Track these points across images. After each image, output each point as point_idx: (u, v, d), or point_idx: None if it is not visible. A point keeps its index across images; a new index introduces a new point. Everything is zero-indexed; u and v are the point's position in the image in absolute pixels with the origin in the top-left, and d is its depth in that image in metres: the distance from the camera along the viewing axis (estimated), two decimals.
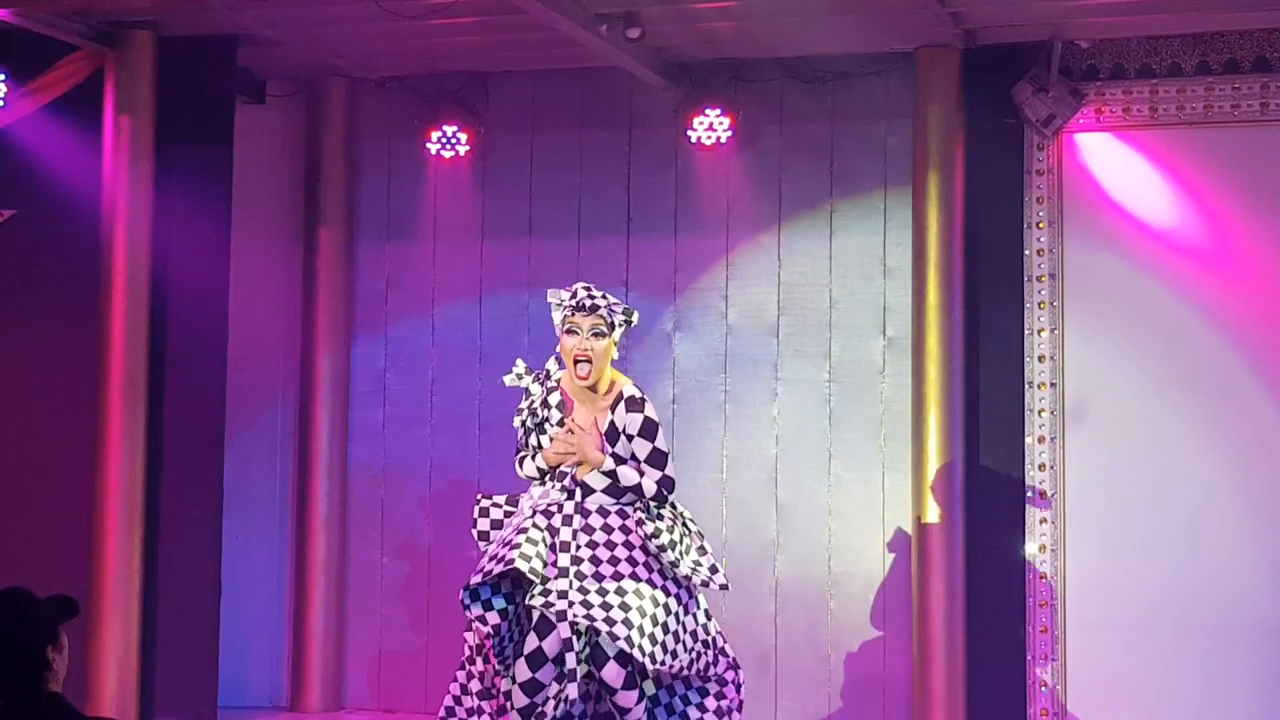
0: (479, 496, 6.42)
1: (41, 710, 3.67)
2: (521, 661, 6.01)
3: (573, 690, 5.94)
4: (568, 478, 6.18)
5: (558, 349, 6.29)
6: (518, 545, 5.99)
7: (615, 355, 6.29)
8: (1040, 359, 8.03)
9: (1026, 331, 8.05)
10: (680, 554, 6.12)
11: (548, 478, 6.24)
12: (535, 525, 6.11)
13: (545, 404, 6.28)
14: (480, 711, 6.21)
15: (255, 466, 8.93)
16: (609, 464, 6.13)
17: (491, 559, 6.07)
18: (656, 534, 6.10)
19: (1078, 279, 8.01)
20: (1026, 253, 8.07)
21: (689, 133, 8.42)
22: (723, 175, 8.50)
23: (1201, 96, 7.91)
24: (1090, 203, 8.03)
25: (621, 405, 6.20)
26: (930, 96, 8.12)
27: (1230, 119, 7.87)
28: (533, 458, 6.29)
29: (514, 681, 6.04)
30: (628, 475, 6.13)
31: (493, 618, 6.02)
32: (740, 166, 8.46)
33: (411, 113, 8.84)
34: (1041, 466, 7.97)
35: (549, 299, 6.34)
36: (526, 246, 8.83)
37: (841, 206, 8.46)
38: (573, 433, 6.15)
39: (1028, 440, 7.99)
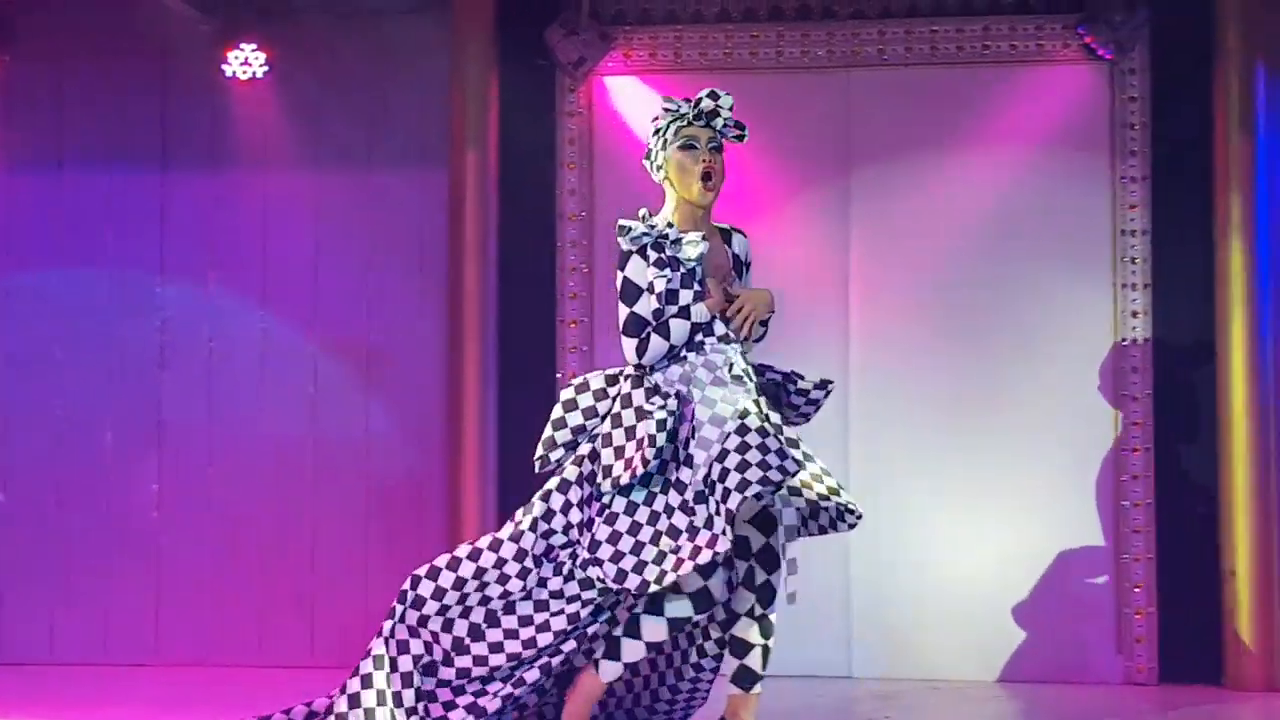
0: (573, 380, 5.64)
1: None
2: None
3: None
4: (729, 334, 5.52)
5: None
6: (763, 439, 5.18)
7: None
8: (572, 297, 8.23)
9: (559, 270, 8.25)
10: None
11: (701, 334, 5.47)
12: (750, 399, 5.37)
13: (675, 243, 5.48)
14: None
15: None
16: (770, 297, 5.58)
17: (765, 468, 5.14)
18: (801, 375, 5.71)
19: (607, 219, 8.23)
20: (559, 193, 8.25)
21: (224, 67, 8.33)
22: (259, 112, 8.39)
23: (722, 43, 8.18)
24: (619, 144, 8.21)
25: (736, 235, 5.72)
26: (466, 36, 8.19)
27: (750, 65, 8.16)
28: (687, 316, 5.42)
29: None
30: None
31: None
32: (277, 103, 8.37)
33: None
34: None
35: (664, 106, 5.65)
36: (57, 178, 8.59)
37: (380, 144, 8.48)
38: (731, 288, 5.56)
39: (557, 377, 8.22)
